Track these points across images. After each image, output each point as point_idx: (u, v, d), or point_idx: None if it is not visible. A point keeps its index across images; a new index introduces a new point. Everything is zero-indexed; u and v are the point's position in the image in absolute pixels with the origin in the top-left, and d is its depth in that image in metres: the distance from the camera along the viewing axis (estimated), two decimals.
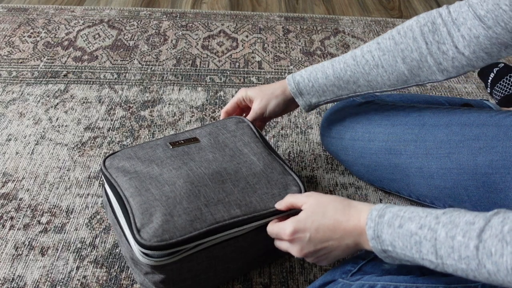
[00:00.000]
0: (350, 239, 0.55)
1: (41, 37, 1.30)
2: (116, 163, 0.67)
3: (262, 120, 0.82)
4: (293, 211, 0.64)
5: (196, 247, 0.60)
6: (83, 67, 1.19)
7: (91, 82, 1.14)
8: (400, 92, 1.16)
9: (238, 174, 0.67)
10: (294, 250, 0.59)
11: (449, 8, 0.65)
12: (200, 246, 0.60)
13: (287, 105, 0.80)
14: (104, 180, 0.67)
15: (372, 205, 0.55)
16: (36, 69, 1.18)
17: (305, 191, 0.67)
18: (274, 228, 0.62)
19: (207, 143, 0.71)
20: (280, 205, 0.64)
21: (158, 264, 0.58)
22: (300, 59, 1.27)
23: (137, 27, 1.37)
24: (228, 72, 1.20)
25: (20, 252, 0.75)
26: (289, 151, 0.98)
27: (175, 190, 0.62)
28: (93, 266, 0.74)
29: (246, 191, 0.65)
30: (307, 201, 0.60)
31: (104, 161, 0.68)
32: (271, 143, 0.83)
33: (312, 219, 0.57)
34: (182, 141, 0.71)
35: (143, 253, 0.58)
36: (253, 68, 1.22)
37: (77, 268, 0.73)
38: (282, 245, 0.62)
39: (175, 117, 1.04)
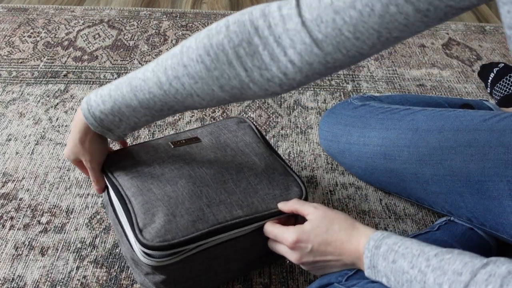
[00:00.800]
0: (349, 259, 0.57)
1: (41, 37, 1.30)
2: (117, 162, 0.67)
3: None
4: (293, 214, 0.65)
5: (198, 247, 0.60)
6: (83, 67, 1.19)
7: (91, 82, 1.14)
8: (400, 92, 1.16)
9: (239, 175, 0.67)
10: (293, 257, 0.60)
11: (267, 18, 0.50)
12: (201, 247, 0.60)
13: (102, 139, 0.65)
14: (106, 180, 0.67)
15: (373, 230, 0.56)
16: (36, 69, 1.18)
17: (306, 191, 0.68)
18: (274, 230, 0.62)
19: (209, 143, 0.72)
20: (285, 206, 0.64)
21: (160, 264, 0.59)
22: None
23: (137, 27, 1.37)
24: None
25: (20, 252, 0.76)
26: (289, 151, 0.98)
27: (177, 190, 0.62)
28: (93, 266, 0.74)
29: (248, 192, 0.65)
30: (314, 212, 0.60)
31: (105, 161, 0.68)
32: (271, 143, 0.83)
33: (316, 232, 0.58)
34: (183, 141, 0.71)
35: (145, 253, 0.58)
36: None
37: (77, 268, 0.74)
38: (279, 248, 0.63)
39: (175, 117, 1.04)
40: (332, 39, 0.47)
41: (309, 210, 0.61)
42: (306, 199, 0.67)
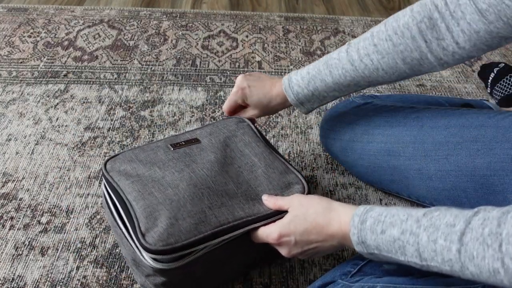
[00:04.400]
0: (334, 241, 0.57)
1: (41, 37, 1.30)
2: (118, 166, 0.67)
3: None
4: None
5: (202, 250, 0.60)
6: (83, 67, 1.19)
7: (91, 82, 1.14)
8: (400, 92, 1.16)
9: (240, 178, 0.67)
10: (283, 252, 0.61)
11: None
12: (205, 249, 0.60)
13: (271, 101, 0.78)
14: (106, 184, 0.66)
15: (352, 207, 0.56)
16: (36, 69, 1.18)
17: (309, 187, 0.68)
18: (259, 233, 0.63)
19: (208, 144, 0.71)
20: (268, 202, 0.64)
21: (164, 268, 0.58)
22: (300, 59, 1.27)
23: (137, 27, 1.37)
24: (228, 72, 1.20)
25: (20, 252, 0.75)
26: (289, 151, 0.98)
27: (178, 193, 0.62)
28: (93, 266, 0.74)
29: (249, 194, 0.65)
30: (291, 203, 0.61)
31: (105, 164, 0.68)
32: (271, 143, 0.83)
33: (295, 223, 0.59)
34: (183, 143, 0.71)
35: (153, 258, 0.58)
36: (253, 68, 1.22)
37: (77, 268, 0.74)
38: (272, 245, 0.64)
39: (175, 117, 1.04)
40: (494, 8, 0.56)
41: (287, 202, 0.62)
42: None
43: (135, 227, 0.59)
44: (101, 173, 0.69)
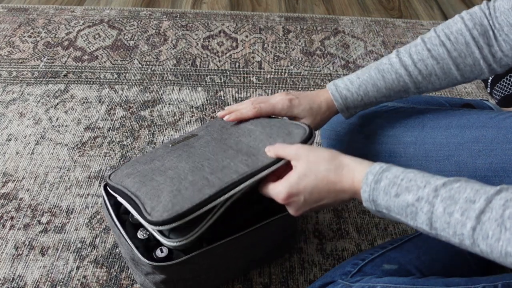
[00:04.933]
0: (345, 196, 0.55)
1: (41, 37, 1.30)
2: (120, 173, 0.67)
3: None
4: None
5: (213, 215, 0.59)
6: (83, 67, 1.19)
7: (91, 82, 1.14)
8: None
9: (239, 144, 0.66)
10: (291, 211, 0.59)
11: (488, 5, 0.64)
12: (215, 214, 0.59)
13: (329, 117, 0.76)
14: (110, 190, 0.66)
15: (365, 163, 0.54)
16: (36, 69, 1.18)
17: (311, 130, 0.66)
18: (267, 191, 0.60)
19: (205, 133, 0.72)
20: (270, 152, 0.62)
21: (178, 244, 0.58)
22: (300, 59, 1.27)
23: (137, 27, 1.37)
24: (228, 72, 1.20)
25: (20, 252, 0.76)
26: None
27: (178, 171, 0.62)
28: (93, 266, 0.74)
29: (251, 151, 0.64)
30: (296, 156, 0.58)
31: (109, 177, 0.68)
32: None
33: (305, 182, 0.56)
34: (181, 139, 0.72)
35: (163, 234, 0.57)
36: (253, 68, 1.22)
37: (77, 268, 0.74)
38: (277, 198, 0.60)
39: (175, 117, 1.04)
40: None
41: (290, 152, 0.59)
42: (310, 138, 0.65)
43: (141, 211, 0.58)
44: (104, 183, 0.69)
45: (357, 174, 0.53)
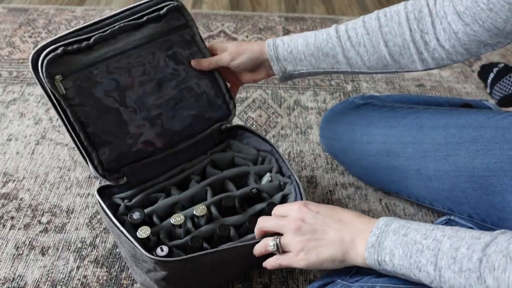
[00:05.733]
0: (351, 232, 0.54)
1: (41, 37, 1.31)
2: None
3: (234, 78, 0.79)
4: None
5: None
6: None
7: None
8: (399, 92, 1.17)
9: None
10: (295, 214, 0.58)
11: None
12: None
13: (258, 65, 0.75)
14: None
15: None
16: None
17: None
18: (281, 206, 0.62)
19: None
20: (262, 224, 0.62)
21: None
22: None
23: None
24: None
25: (21, 252, 0.76)
26: (289, 151, 0.98)
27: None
28: (93, 266, 0.74)
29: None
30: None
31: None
32: (271, 143, 0.83)
33: (326, 205, 0.59)
34: None
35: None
36: None
37: (78, 267, 0.74)
38: (273, 219, 0.60)
39: None
40: (470, 10, 0.58)
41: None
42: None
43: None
44: (98, 187, 0.71)
45: (375, 219, 0.54)
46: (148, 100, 0.71)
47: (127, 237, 0.62)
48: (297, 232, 0.56)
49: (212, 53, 0.77)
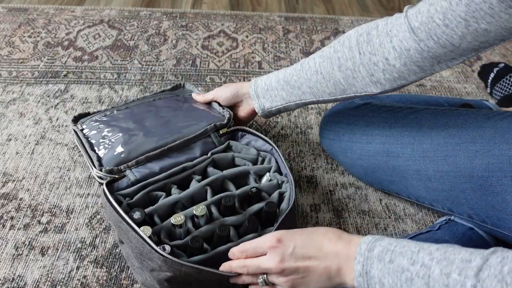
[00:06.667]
0: (335, 262, 0.52)
1: (41, 37, 1.30)
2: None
3: (236, 121, 0.88)
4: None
5: None
6: (83, 67, 1.19)
7: (91, 82, 1.14)
8: (399, 92, 1.16)
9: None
10: (272, 261, 0.55)
11: (388, 19, 0.64)
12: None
13: (239, 98, 0.85)
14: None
15: (360, 236, 0.53)
16: (36, 69, 1.18)
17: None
18: (251, 242, 0.59)
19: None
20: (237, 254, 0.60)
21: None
22: (300, 59, 1.27)
23: (137, 27, 1.38)
24: (228, 72, 1.21)
25: (20, 252, 0.76)
26: (289, 151, 0.98)
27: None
28: (93, 266, 0.74)
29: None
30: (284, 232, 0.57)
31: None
32: (271, 143, 0.84)
33: (300, 233, 0.56)
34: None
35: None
36: (253, 68, 1.22)
37: (77, 268, 0.74)
38: (254, 262, 0.57)
39: None
40: (425, 26, 0.57)
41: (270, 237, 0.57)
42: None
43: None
44: (105, 182, 0.73)
45: (354, 241, 0.52)
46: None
47: (137, 233, 0.62)
48: (280, 274, 0.55)
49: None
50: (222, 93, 0.86)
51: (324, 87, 0.71)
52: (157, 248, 0.59)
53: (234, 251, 0.61)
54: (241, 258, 0.60)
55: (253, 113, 0.86)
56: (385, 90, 0.66)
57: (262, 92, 0.80)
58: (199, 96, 0.90)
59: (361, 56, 0.65)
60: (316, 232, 0.55)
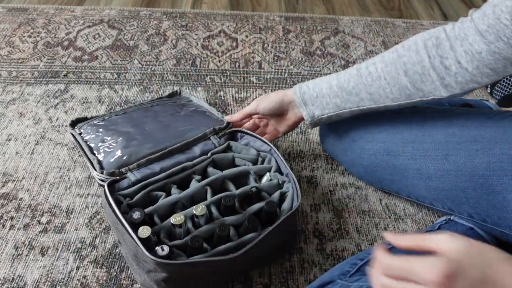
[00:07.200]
0: None
1: (41, 37, 1.30)
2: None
3: (273, 130, 0.87)
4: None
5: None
6: (83, 67, 1.19)
7: (91, 82, 1.14)
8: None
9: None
10: None
11: (454, 24, 0.64)
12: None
13: (284, 107, 0.81)
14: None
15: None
16: (36, 69, 1.18)
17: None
18: (404, 261, 0.43)
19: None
20: (397, 241, 0.46)
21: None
22: (300, 59, 1.27)
23: (137, 27, 1.37)
24: (228, 72, 1.20)
25: (20, 252, 0.76)
26: (289, 151, 0.98)
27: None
28: (93, 266, 0.74)
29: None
30: (450, 239, 0.42)
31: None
32: (271, 143, 0.84)
33: (471, 262, 0.40)
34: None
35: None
36: (253, 68, 1.22)
37: (77, 268, 0.74)
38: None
39: None
40: (493, 28, 0.57)
41: (441, 240, 0.42)
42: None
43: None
44: (106, 183, 0.73)
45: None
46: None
47: (131, 236, 0.62)
48: None
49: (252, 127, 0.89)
50: (265, 104, 0.81)
51: (388, 92, 0.70)
52: (147, 253, 0.59)
53: (377, 256, 0.46)
54: (379, 273, 0.45)
55: (298, 122, 0.83)
56: (455, 94, 0.65)
57: (310, 99, 0.77)
58: (235, 116, 0.85)
59: (431, 60, 0.64)
60: (488, 258, 0.41)
